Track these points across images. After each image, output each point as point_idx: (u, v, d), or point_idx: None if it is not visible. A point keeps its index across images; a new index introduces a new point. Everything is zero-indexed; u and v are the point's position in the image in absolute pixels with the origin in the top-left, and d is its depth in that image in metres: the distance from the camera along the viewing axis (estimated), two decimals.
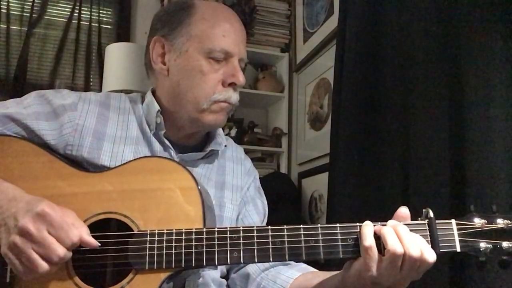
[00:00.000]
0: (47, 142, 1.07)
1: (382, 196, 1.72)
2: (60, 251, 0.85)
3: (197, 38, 1.10)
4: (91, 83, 3.03)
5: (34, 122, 1.06)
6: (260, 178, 1.35)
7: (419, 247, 0.83)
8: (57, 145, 1.07)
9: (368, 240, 0.84)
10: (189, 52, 1.10)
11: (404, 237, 0.84)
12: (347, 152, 1.99)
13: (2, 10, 2.91)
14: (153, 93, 1.20)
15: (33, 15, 2.97)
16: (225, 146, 1.24)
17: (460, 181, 1.42)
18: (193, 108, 1.12)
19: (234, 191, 1.22)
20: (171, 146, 1.15)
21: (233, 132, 3.05)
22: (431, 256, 0.84)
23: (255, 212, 1.24)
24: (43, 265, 0.84)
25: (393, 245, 0.82)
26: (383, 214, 0.91)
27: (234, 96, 1.13)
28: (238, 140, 2.71)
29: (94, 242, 0.90)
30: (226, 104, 1.13)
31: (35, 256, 0.84)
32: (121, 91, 2.11)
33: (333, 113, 2.17)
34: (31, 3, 2.96)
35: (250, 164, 1.34)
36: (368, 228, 0.86)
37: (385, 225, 0.87)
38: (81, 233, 0.88)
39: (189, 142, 1.20)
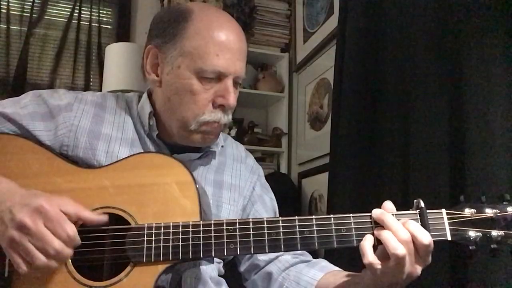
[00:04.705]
0: (42, 142, 1.07)
1: (382, 196, 1.72)
2: (56, 244, 0.86)
3: (189, 55, 1.05)
4: (91, 83, 3.03)
5: (30, 122, 1.07)
6: None
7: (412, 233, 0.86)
8: (53, 146, 1.08)
9: (369, 257, 0.85)
10: (181, 69, 1.06)
11: (400, 232, 0.86)
12: (347, 152, 1.99)
13: (2, 10, 2.92)
14: (150, 94, 1.18)
15: (33, 15, 2.97)
16: (222, 146, 1.23)
17: (460, 181, 1.42)
18: (181, 126, 1.09)
19: (233, 191, 1.21)
20: (165, 147, 1.14)
21: (233, 132, 3.05)
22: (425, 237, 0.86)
23: (263, 210, 1.23)
24: (41, 258, 0.85)
25: (394, 249, 0.84)
26: None
27: (224, 118, 1.10)
28: (238, 140, 2.67)
29: (97, 218, 0.92)
30: (216, 124, 1.09)
31: (32, 248, 0.85)
32: (121, 91, 2.11)
33: (333, 113, 2.17)
34: (31, 3, 2.97)
35: (253, 161, 1.32)
36: (367, 243, 0.87)
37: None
38: (82, 214, 0.90)
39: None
